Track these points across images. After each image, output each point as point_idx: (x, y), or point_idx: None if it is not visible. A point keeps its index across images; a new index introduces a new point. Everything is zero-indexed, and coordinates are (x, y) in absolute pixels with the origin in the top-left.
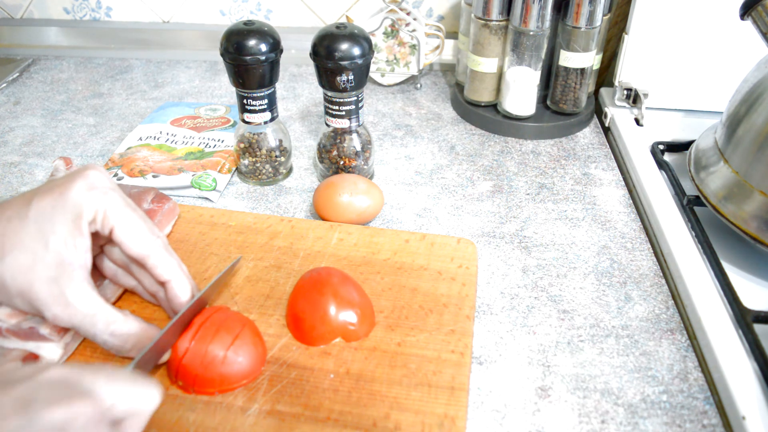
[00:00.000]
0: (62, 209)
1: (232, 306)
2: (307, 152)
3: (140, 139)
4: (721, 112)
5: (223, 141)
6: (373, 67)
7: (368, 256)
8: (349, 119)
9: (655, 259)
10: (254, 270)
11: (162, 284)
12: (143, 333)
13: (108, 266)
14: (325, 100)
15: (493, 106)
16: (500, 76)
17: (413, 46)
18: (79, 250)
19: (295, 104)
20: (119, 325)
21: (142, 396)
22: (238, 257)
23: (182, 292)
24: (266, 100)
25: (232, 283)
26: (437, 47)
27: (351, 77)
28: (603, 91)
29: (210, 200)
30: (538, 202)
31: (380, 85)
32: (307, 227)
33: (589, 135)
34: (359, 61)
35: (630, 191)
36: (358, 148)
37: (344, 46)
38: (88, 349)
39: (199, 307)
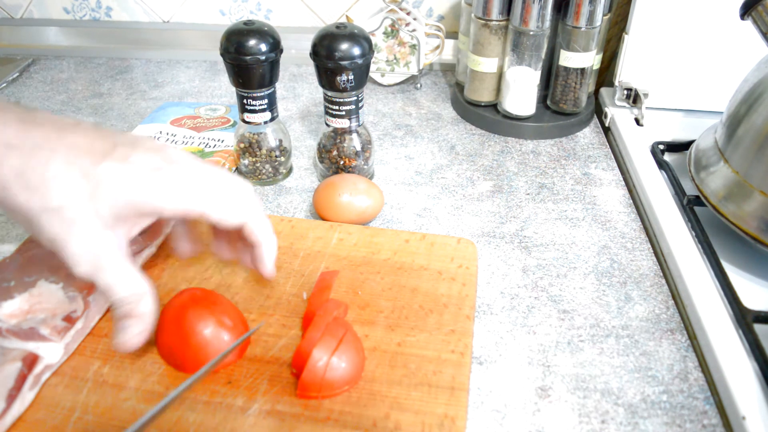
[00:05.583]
0: (134, 192)
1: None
2: (307, 152)
3: None
4: (721, 112)
5: (223, 141)
6: (373, 67)
7: (368, 256)
8: (349, 119)
9: (655, 259)
10: (254, 270)
11: (252, 246)
12: (154, 304)
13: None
14: (325, 100)
15: (493, 106)
16: (500, 76)
17: (413, 46)
18: (126, 226)
19: (295, 104)
20: (138, 291)
21: None
22: (262, 323)
23: (270, 254)
24: (266, 100)
25: (232, 284)
26: (437, 47)
27: (351, 77)
28: (603, 91)
29: None
30: (538, 202)
31: (380, 85)
32: (307, 227)
33: (589, 135)
34: (359, 61)
35: (630, 191)
36: (358, 148)
37: (344, 46)
38: (88, 349)
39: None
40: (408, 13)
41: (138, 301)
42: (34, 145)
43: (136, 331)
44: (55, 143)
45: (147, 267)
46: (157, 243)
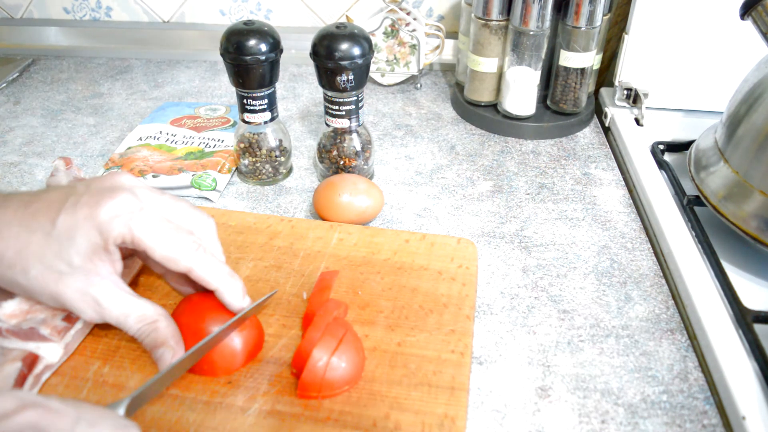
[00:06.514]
0: (86, 232)
1: None
2: (307, 152)
3: (140, 139)
4: (721, 112)
5: (223, 141)
6: (373, 67)
7: (368, 256)
8: (349, 119)
9: (655, 259)
10: (254, 270)
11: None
12: (170, 323)
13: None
14: (325, 100)
15: (493, 106)
16: (500, 76)
17: (413, 46)
18: (105, 263)
19: (295, 104)
20: (149, 320)
21: None
22: (275, 290)
23: (232, 297)
24: (266, 100)
25: None
26: (437, 47)
27: (351, 77)
28: (603, 91)
29: (210, 200)
30: (538, 202)
31: (380, 85)
32: (307, 227)
33: (589, 135)
34: (359, 61)
35: (630, 191)
36: (358, 148)
37: (344, 46)
38: (88, 349)
39: (212, 345)
40: (408, 13)
41: (154, 328)
42: (5, 225)
43: (168, 356)
44: (21, 218)
45: (145, 269)
46: None
